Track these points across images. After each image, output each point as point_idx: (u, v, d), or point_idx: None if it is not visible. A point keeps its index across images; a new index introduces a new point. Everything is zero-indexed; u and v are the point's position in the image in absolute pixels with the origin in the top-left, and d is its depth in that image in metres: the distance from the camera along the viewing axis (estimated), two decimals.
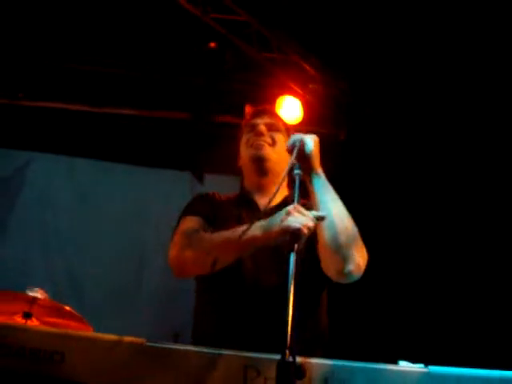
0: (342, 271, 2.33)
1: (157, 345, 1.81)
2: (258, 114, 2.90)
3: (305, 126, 4.67)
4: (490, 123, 4.40)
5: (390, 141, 4.71)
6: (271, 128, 2.82)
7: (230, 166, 4.87)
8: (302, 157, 2.33)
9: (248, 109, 3.02)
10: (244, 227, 2.20)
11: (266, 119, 2.84)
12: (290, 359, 1.65)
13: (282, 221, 2.12)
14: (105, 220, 4.85)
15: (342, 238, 2.32)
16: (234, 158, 4.80)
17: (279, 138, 2.81)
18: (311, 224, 2.09)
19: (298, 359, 1.75)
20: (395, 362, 1.98)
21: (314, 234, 2.28)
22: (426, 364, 1.91)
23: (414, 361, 2.00)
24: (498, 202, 4.31)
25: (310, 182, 2.40)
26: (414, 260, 4.23)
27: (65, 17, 4.46)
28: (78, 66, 4.73)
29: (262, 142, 2.76)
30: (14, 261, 4.66)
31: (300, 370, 1.67)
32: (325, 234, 2.34)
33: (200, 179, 4.99)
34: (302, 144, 2.35)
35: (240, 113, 4.52)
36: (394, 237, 4.27)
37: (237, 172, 4.86)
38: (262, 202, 2.69)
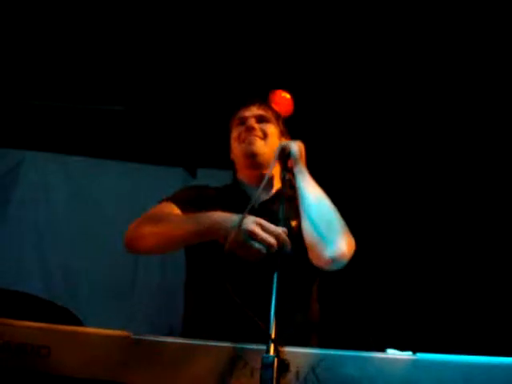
0: (325, 258, 2.37)
1: (143, 337, 1.82)
2: (247, 106, 2.89)
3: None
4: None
5: (381, 133, 4.71)
6: (261, 120, 2.85)
7: (222, 159, 4.93)
8: (287, 160, 2.50)
9: (237, 101, 3.01)
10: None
11: (256, 111, 2.88)
12: (274, 353, 1.66)
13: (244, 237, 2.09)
14: (99, 217, 4.82)
15: (324, 228, 2.37)
16: (226, 152, 4.83)
17: (270, 129, 2.84)
18: (264, 253, 2.08)
19: (285, 349, 1.77)
20: (383, 350, 1.99)
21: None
22: (414, 351, 1.92)
23: (402, 349, 2.01)
24: (480, 185, 4.32)
25: (295, 179, 2.51)
26: (401, 247, 4.23)
27: (54, 15, 4.44)
28: (69, 62, 4.70)
29: (254, 137, 2.78)
30: (8, 259, 4.64)
31: (283, 364, 1.70)
32: (307, 225, 2.41)
33: (193, 174, 4.99)
34: (288, 149, 2.51)
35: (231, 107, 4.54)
36: (382, 225, 4.28)
37: (229, 165, 4.91)
38: (254, 193, 2.69)
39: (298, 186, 2.49)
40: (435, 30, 4.14)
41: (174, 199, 2.67)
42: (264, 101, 3.01)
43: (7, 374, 1.78)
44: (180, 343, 1.81)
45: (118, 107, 4.89)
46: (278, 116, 2.96)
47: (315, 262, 2.43)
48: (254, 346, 1.78)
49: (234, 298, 1.87)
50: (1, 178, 4.87)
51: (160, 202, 2.68)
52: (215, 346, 1.80)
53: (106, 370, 1.77)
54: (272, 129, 2.86)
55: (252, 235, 2.08)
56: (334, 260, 2.36)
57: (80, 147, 4.94)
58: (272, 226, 2.11)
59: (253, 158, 2.77)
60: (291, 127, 4.44)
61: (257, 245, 2.07)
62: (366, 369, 1.82)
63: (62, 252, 4.73)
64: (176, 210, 2.57)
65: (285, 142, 2.58)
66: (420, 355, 1.89)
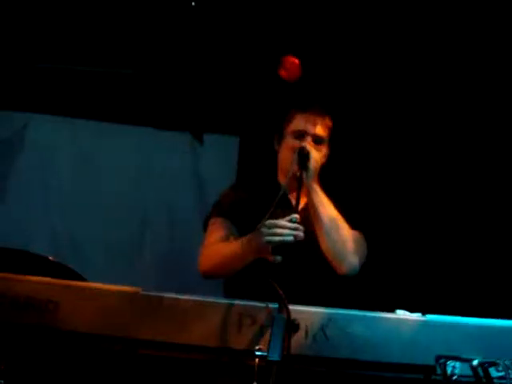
0: (342, 271, 2.73)
1: (152, 293, 1.81)
2: (309, 117, 2.93)
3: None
4: None
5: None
6: (317, 140, 2.90)
7: (228, 125, 4.91)
8: (305, 167, 2.68)
9: (296, 110, 3.02)
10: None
11: (317, 130, 2.90)
12: (285, 313, 1.67)
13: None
14: (106, 181, 4.79)
15: (339, 248, 2.70)
16: (232, 118, 4.82)
17: (322, 152, 2.92)
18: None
19: (295, 308, 1.77)
20: (393, 311, 1.99)
21: None
22: (424, 313, 1.92)
23: (411, 310, 2.01)
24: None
25: (308, 193, 2.75)
26: (410, 207, 4.22)
27: None
28: (77, 24, 4.64)
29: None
30: (15, 223, 4.62)
31: (293, 323, 1.73)
32: (322, 243, 2.71)
33: (199, 139, 4.96)
34: (309, 157, 2.70)
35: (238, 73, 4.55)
36: (393, 188, 4.27)
37: (235, 131, 4.90)
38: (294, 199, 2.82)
39: (312, 203, 2.73)
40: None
41: (223, 213, 2.90)
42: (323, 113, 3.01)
43: (15, 328, 1.78)
44: (189, 299, 1.80)
45: (126, 70, 4.84)
46: (331, 129, 2.99)
47: (336, 269, 2.74)
48: (262, 304, 1.78)
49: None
50: (7, 141, 4.85)
51: (211, 217, 2.96)
52: (223, 303, 1.80)
53: (114, 325, 1.77)
54: (324, 150, 2.94)
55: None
56: (349, 272, 2.74)
57: (87, 110, 4.89)
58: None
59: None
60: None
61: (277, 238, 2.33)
62: (375, 329, 1.83)
63: (69, 215, 4.71)
64: (228, 229, 2.84)
65: (304, 146, 2.74)
66: (429, 317, 1.89)
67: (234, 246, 2.65)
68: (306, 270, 2.70)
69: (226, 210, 2.89)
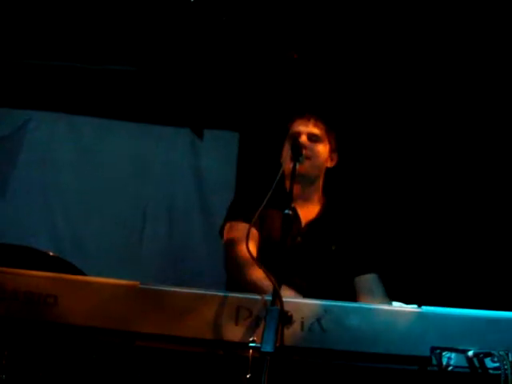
0: None
1: (150, 287, 1.83)
2: (303, 121, 3.08)
3: None
4: None
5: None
6: (312, 138, 3.02)
7: (228, 121, 4.93)
8: (298, 159, 2.66)
9: (295, 116, 3.16)
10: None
11: (310, 128, 3.05)
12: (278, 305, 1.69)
13: None
14: (106, 177, 4.80)
15: None
16: (232, 113, 4.83)
17: (318, 149, 3.04)
18: None
19: (291, 300, 1.79)
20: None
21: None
22: (420, 305, 1.93)
23: (407, 302, 2.02)
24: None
25: None
26: (407, 201, 4.25)
27: None
28: (79, 21, 4.64)
29: (302, 157, 2.82)
30: (16, 219, 4.64)
31: (286, 316, 1.75)
32: None
33: (199, 135, 4.97)
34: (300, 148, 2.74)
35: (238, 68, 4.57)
36: (390, 179, 4.30)
37: (235, 127, 4.91)
38: (300, 210, 2.95)
39: None
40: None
41: (242, 217, 2.87)
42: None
43: (15, 322, 1.79)
44: (187, 292, 1.82)
45: (127, 68, 4.85)
46: (330, 133, 3.10)
47: None
48: (258, 297, 1.80)
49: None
50: (7, 138, 4.86)
51: (230, 221, 2.97)
52: (221, 296, 1.81)
53: (113, 318, 1.79)
54: (321, 147, 3.04)
55: None
56: None
57: (87, 107, 4.91)
58: None
59: (298, 178, 2.77)
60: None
61: None
62: (371, 321, 1.84)
63: (69, 211, 4.74)
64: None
65: (296, 138, 2.87)
66: (425, 308, 1.90)
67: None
68: (313, 284, 2.76)
69: (245, 214, 2.84)
